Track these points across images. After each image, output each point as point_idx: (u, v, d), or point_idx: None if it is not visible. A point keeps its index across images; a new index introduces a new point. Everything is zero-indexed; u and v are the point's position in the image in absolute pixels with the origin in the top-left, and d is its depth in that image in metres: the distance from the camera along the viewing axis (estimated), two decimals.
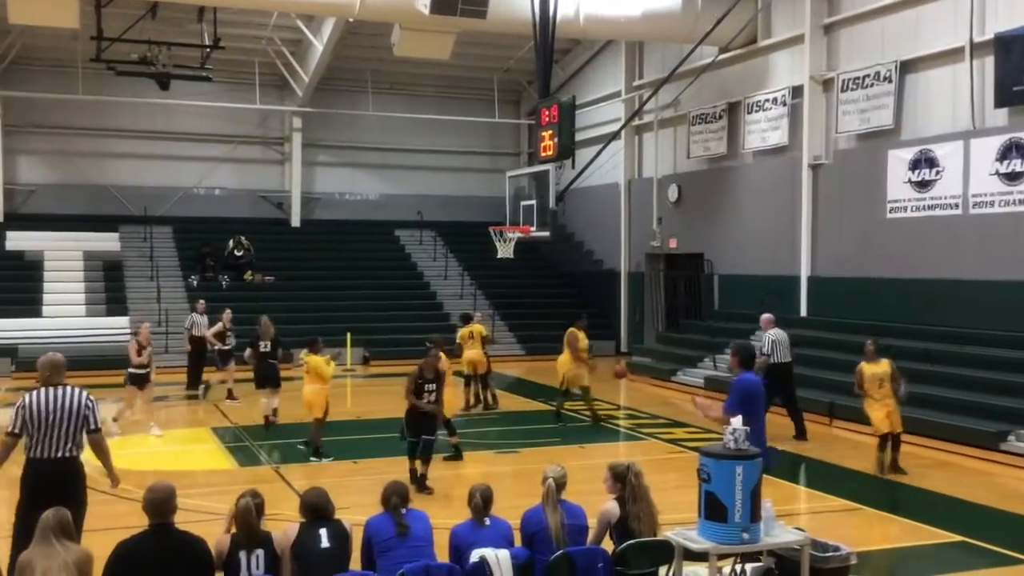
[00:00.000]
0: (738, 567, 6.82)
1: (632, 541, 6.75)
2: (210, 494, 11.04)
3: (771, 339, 15.33)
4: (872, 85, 18.88)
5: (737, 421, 6.57)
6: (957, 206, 17.08)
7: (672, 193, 25.16)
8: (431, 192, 31.66)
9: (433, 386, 11.65)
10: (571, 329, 16.68)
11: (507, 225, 19.95)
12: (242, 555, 6.06)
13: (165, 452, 14.44)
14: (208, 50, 24.05)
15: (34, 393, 7.39)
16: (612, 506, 7.01)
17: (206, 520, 8.46)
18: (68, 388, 7.41)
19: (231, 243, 27.76)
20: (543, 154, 18.46)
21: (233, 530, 6.21)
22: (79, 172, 28.55)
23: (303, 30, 26.62)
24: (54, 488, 7.01)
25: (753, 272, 22.08)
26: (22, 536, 6.58)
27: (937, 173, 17.45)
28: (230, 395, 18.52)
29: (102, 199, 28.45)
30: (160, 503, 5.78)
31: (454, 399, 15.78)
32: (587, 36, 25.74)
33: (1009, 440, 13.74)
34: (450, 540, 6.73)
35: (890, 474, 12.35)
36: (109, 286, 25.94)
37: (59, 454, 7.29)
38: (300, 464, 13.23)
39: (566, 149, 18.10)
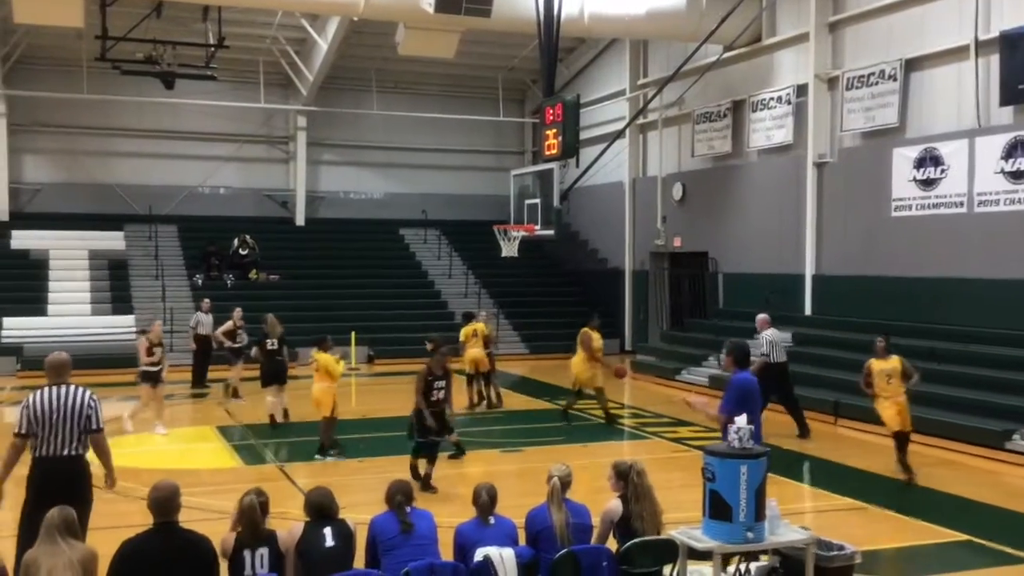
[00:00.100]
0: (742, 566, 6.82)
1: (636, 540, 6.76)
2: (215, 493, 11.06)
3: (768, 339, 15.41)
4: (877, 83, 18.85)
5: (742, 420, 6.57)
6: (962, 204, 17.05)
7: (676, 192, 25.14)
8: (435, 191, 31.66)
9: (443, 383, 11.64)
10: (584, 329, 16.57)
11: (511, 224, 19.97)
12: (246, 553, 6.08)
13: (170, 450, 14.46)
14: (213, 49, 24.06)
15: (38, 392, 7.41)
16: (615, 505, 7.01)
17: (211, 519, 8.47)
18: (71, 387, 7.43)
19: (236, 242, 27.78)
20: (547, 153, 18.47)
21: (238, 528, 6.23)
22: (84, 171, 28.59)
23: (308, 29, 26.64)
24: (59, 487, 7.02)
25: (758, 271, 22.06)
26: (27, 535, 6.60)
27: (942, 171, 17.42)
28: (235, 393, 18.55)
29: (107, 198, 28.49)
30: (164, 502, 5.79)
31: (457, 398, 15.77)
32: (591, 35, 25.73)
33: (1014, 439, 13.72)
34: (455, 539, 6.74)
35: (899, 473, 12.23)
36: (114, 285, 25.98)
37: (64, 452, 7.31)
38: (305, 463, 13.24)
39: (570, 148, 18.10)
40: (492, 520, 6.76)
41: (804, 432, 15.15)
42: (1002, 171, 16.28)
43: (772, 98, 21.63)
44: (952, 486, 12.06)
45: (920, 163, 17.84)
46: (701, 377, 20.36)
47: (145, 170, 29.06)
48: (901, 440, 12.34)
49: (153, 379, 15.33)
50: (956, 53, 17.39)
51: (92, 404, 7.42)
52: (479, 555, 6.46)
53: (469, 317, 18.51)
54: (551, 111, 18.28)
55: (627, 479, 7.03)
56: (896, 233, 18.43)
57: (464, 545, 6.64)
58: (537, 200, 18.82)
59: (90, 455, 7.56)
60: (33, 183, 28.31)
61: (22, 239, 26.81)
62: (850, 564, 6.81)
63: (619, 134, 23.96)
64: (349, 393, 19.92)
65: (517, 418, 17.21)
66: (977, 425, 14.21)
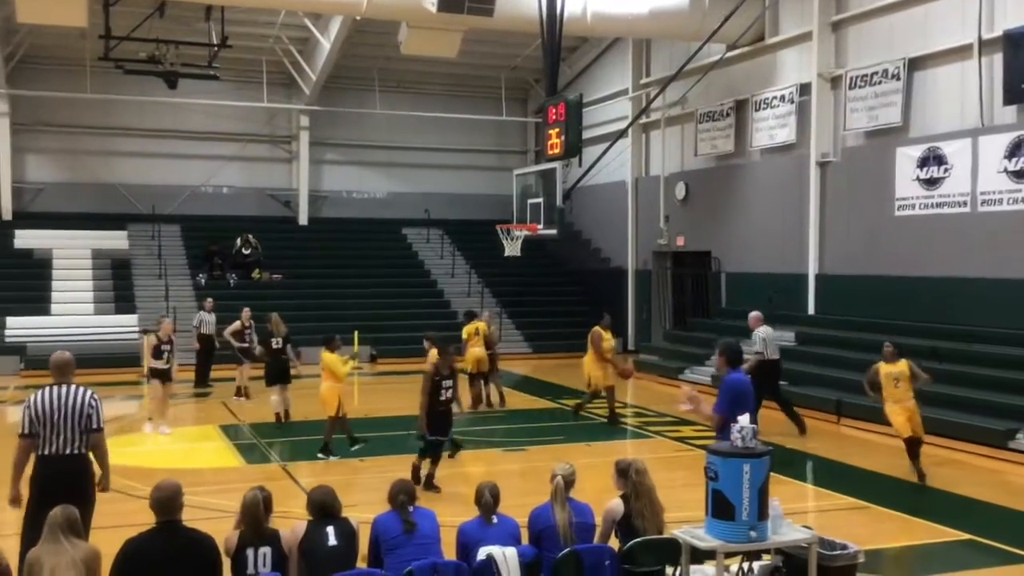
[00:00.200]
0: (745, 565, 6.82)
1: (639, 539, 6.76)
2: (218, 492, 11.08)
3: (761, 337, 15.49)
4: (880, 82, 18.83)
5: (744, 419, 6.57)
6: (965, 204, 17.03)
7: (679, 191, 25.13)
8: (438, 190, 31.66)
9: (450, 383, 11.65)
10: (595, 328, 16.55)
11: (514, 223, 19.95)
12: (249, 552, 6.09)
13: (173, 450, 14.48)
14: (216, 49, 24.07)
15: (40, 392, 7.43)
16: (616, 504, 7.02)
17: (214, 518, 8.49)
18: (73, 387, 7.44)
19: (239, 241, 27.80)
20: (550, 152, 18.45)
21: (241, 527, 6.24)
22: (87, 171, 28.62)
23: (310, 28, 26.65)
24: (62, 486, 7.04)
25: (761, 270, 22.05)
26: (31, 533, 6.61)
27: (945, 171, 17.40)
28: (239, 392, 18.57)
29: (110, 197, 28.52)
30: (167, 501, 5.80)
31: (463, 397, 15.77)
32: (594, 34, 25.73)
33: (1017, 438, 13.71)
34: (457, 538, 6.75)
35: (912, 475, 12.14)
36: (117, 284, 26.01)
37: (66, 451, 7.32)
38: (308, 462, 13.25)
39: (573, 147, 18.08)
40: (495, 519, 6.76)
41: (802, 429, 15.19)
42: (1005, 170, 16.26)
43: (775, 97, 21.62)
44: (955, 485, 12.04)
45: (923, 162, 17.82)
46: (704, 376, 20.34)
47: (148, 170, 29.08)
48: (912, 445, 12.22)
49: (163, 377, 15.34)
50: (959, 52, 17.37)
51: (93, 403, 7.42)
52: (482, 554, 6.46)
53: (471, 316, 18.51)
54: (554, 110, 18.26)
55: (627, 477, 7.04)
56: (899, 233, 18.42)
57: (467, 544, 6.65)
58: (540, 199, 18.81)
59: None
60: (36, 182, 28.35)
61: (25, 239, 26.85)
62: (853, 563, 6.80)
63: (622, 133, 23.95)
64: (352, 392, 19.92)
65: (520, 417, 17.21)
66: (980, 424, 14.20)
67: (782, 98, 21.41)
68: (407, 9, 20.71)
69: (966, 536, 9.81)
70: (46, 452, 7.32)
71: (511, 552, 6.47)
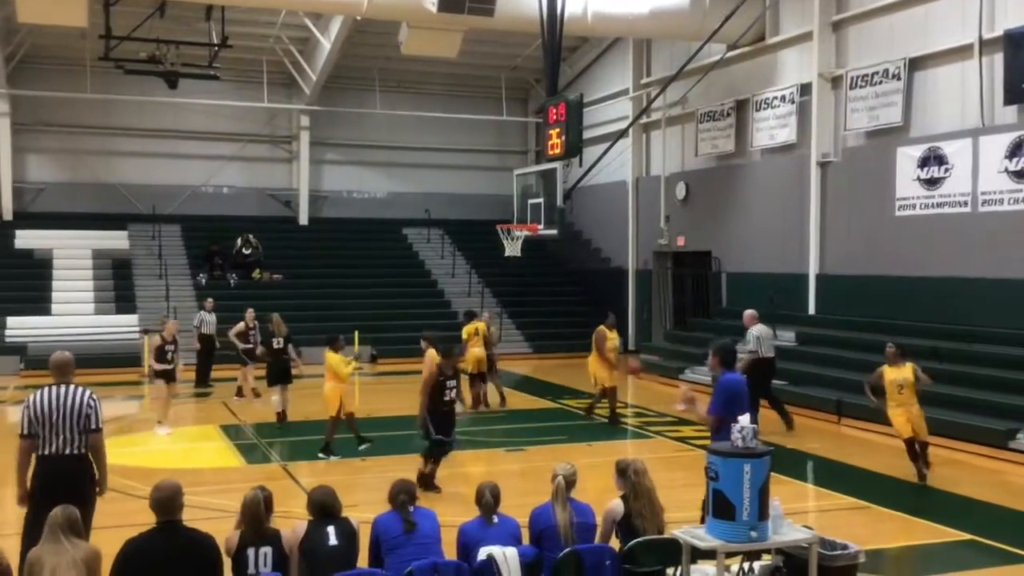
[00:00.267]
0: (746, 565, 6.81)
1: (640, 539, 6.76)
2: (218, 492, 11.08)
3: (756, 335, 15.59)
4: (881, 82, 18.82)
5: (745, 419, 6.56)
6: (966, 204, 17.02)
7: (680, 191, 25.12)
8: (439, 190, 31.66)
9: (455, 383, 11.66)
10: (600, 328, 16.55)
11: (515, 223, 19.95)
12: (250, 552, 6.09)
13: (173, 450, 14.48)
14: (216, 49, 24.07)
15: (39, 393, 7.44)
16: (616, 504, 7.02)
17: (214, 518, 8.49)
18: (71, 387, 7.43)
19: (239, 241, 27.81)
20: (551, 152, 18.45)
21: (242, 526, 6.24)
22: (88, 171, 28.63)
23: (311, 28, 26.65)
24: (62, 486, 7.04)
25: (761, 270, 22.04)
26: (32, 533, 6.61)
27: (946, 171, 17.39)
28: (239, 393, 18.57)
29: (111, 197, 28.52)
30: (166, 501, 5.80)
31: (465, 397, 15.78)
32: (595, 34, 25.73)
33: (1018, 438, 13.70)
34: (458, 538, 6.75)
35: (921, 481, 12.05)
36: (118, 284, 26.02)
37: (66, 452, 7.33)
38: (308, 461, 13.26)
39: (574, 147, 18.09)
40: (495, 519, 6.76)
41: (789, 424, 15.24)
42: (1006, 170, 16.25)
43: (776, 97, 21.62)
44: (956, 485, 12.03)
45: (924, 162, 17.81)
46: (704, 376, 20.29)
47: (148, 170, 29.09)
48: (911, 446, 12.14)
49: (168, 377, 15.33)
50: (960, 52, 17.36)
51: (91, 404, 7.41)
52: (482, 554, 6.46)
53: (471, 316, 18.49)
54: (554, 110, 18.27)
55: (627, 477, 7.04)
56: (900, 232, 18.41)
57: (467, 544, 6.65)
58: (540, 199, 18.81)
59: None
60: (37, 183, 28.36)
61: (26, 239, 26.86)
62: (854, 563, 6.79)
63: (622, 133, 23.95)
64: (352, 392, 19.91)
65: (520, 417, 17.20)
66: (981, 424, 14.19)
67: (783, 98, 21.41)
68: (407, 9, 20.71)
69: (967, 536, 9.80)
70: (46, 452, 7.33)
71: (511, 552, 6.47)
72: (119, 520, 7.59)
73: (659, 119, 26.04)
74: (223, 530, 6.33)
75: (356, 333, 23.73)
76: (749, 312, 16.20)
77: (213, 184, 30.08)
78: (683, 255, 25.86)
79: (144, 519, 5.93)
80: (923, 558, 9.57)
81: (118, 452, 12.73)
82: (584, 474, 7.27)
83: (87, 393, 7.46)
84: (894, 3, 18.79)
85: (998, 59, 16.48)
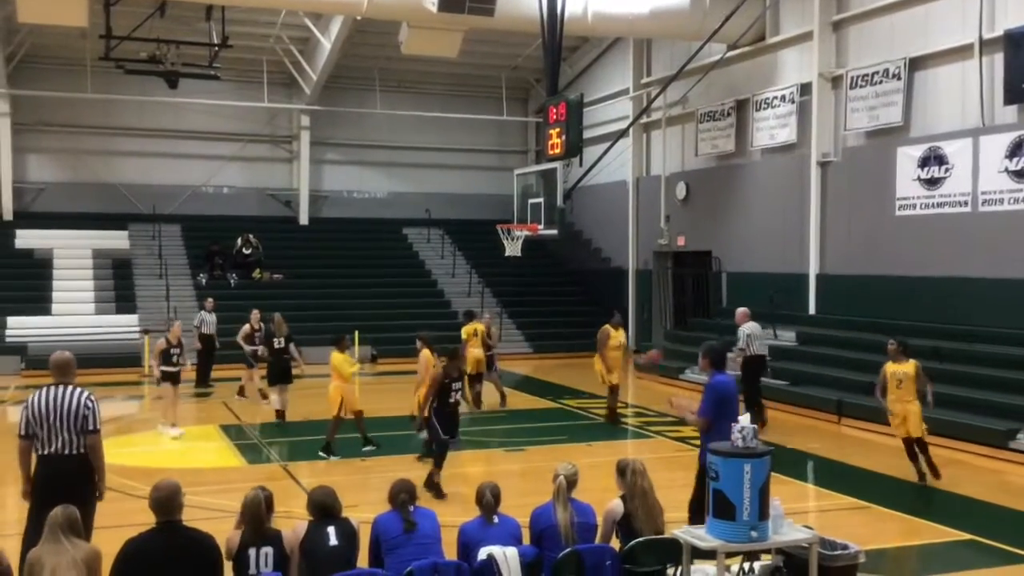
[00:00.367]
0: (746, 565, 6.81)
1: (640, 539, 6.76)
2: (218, 492, 11.07)
3: (746, 333, 15.76)
4: (881, 82, 18.82)
5: (745, 419, 6.56)
6: (966, 204, 17.02)
7: (680, 191, 25.12)
8: (439, 190, 31.66)
9: (459, 384, 11.67)
10: (604, 327, 16.51)
11: (515, 223, 19.94)
12: (251, 552, 6.08)
13: (173, 450, 14.47)
14: (216, 48, 24.07)
15: (38, 393, 7.46)
16: (615, 504, 7.02)
17: (215, 518, 8.49)
18: (69, 388, 7.43)
19: (239, 241, 27.81)
20: (551, 152, 18.45)
21: (243, 526, 6.23)
22: (88, 171, 28.63)
23: (311, 28, 26.64)
24: (62, 486, 7.06)
25: (761, 270, 22.04)
26: (33, 533, 6.62)
27: (946, 171, 17.39)
28: (241, 392, 18.54)
29: (111, 197, 28.53)
30: (165, 501, 5.79)
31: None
32: (595, 33, 25.73)
33: (1018, 438, 13.71)
34: (458, 538, 6.74)
35: (920, 481, 12.02)
36: (118, 284, 26.02)
37: (65, 452, 7.34)
38: (308, 461, 13.26)
39: (574, 147, 18.08)
40: (496, 519, 6.76)
41: (763, 422, 15.27)
42: (1006, 170, 16.25)
43: (776, 97, 21.62)
44: (956, 485, 12.02)
45: (924, 162, 17.81)
46: (704, 376, 20.31)
47: (149, 169, 29.10)
48: (910, 447, 12.13)
49: (174, 379, 15.31)
50: (960, 52, 17.36)
51: (88, 405, 7.40)
52: (483, 554, 6.45)
53: (470, 316, 18.46)
54: (554, 110, 18.26)
55: (625, 477, 7.05)
56: (900, 232, 18.41)
57: (468, 544, 6.64)
58: (540, 199, 18.80)
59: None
60: (37, 182, 28.36)
61: (26, 238, 26.86)
62: (854, 563, 6.79)
63: (623, 133, 23.93)
64: (354, 392, 19.90)
65: (520, 417, 17.20)
66: (981, 424, 14.19)
67: (783, 98, 21.41)
68: (408, 9, 20.71)
69: (967, 536, 9.80)
70: (45, 452, 7.35)
71: (512, 552, 6.46)
72: (119, 520, 7.58)
73: (659, 119, 26.03)
74: (223, 530, 6.33)
75: (356, 333, 23.72)
76: (741, 310, 16.38)
77: (213, 184, 30.09)
78: (683, 255, 25.86)
79: (144, 519, 5.92)
80: (923, 558, 9.57)
81: (118, 452, 12.77)
82: (584, 474, 7.26)
83: (84, 394, 7.45)
84: (894, 3, 18.79)
85: (998, 59, 16.48)
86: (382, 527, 6.63)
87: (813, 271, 20.63)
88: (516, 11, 20.26)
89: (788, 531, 6.61)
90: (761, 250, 22.18)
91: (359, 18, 23.42)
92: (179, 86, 24.36)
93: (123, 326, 24.48)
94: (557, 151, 18.23)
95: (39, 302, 24.81)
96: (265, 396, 18.10)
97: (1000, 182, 16.37)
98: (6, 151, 27.17)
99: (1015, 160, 16.08)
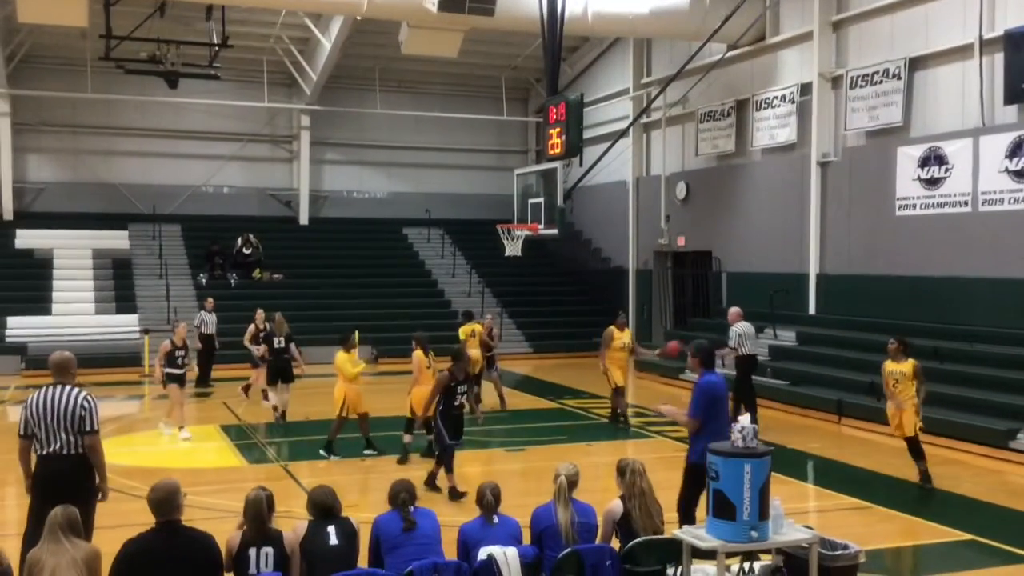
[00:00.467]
0: (746, 565, 6.81)
1: (640, 539, 6.76)
2: (219, 492, 11.07)
3: (738, 332, 15.75)
4: (881, 82, 18.82)
5: (745, 419, 6.56)
6: (966, 204, 17.02)
7: (680, 191, 25.13)
8: (439, 190, 31.66)
9: (465, 387, 11.67)
10: (609, 328, 16.41)
11: (515, 223, 19.94)
12: (252, 552, 6.08)
13: (174, 450, 14.46)
14: (216, 48, 24.07)
15: (37, 393, 7.47)
16: (616, 504, 7.03)
17: (215, 518, 8.49)
18: (67, 388, 7.43)
19: (239, 241, 27.81)
20: (551, 152, 18.45)
21: (244, 526, 6.23)
22: (88, 170, 28.63)
23: (311, 28, 26.64)
24: (62, 486, 7.08)
25: (762, 270, 22.04)
26: (34, 533, 6.63)
27: (946, 170, 17.39)
28: (245, 390, 18.49)
29: (111, 197, 28.53)
30: (163, 501, 5.78)
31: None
32: (595, 33, 25.72)
33: (1018, 438, 13.69)
34: (458, 537, 6.75)
35: (923, 481, 11.93)
36: (118, 284, 26.01)
37: (64, 452, 7.34)
38: (308, 461, 13.26)
39: (574, 147, 18.08)
40: (496, 519, 6.76)
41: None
42: (1006, 170, 16.25)
43: (776, 97, 21.62)
44: (956, 485, 12.02)
45: (924, 162, 17.81)
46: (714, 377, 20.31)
47: (149, 169, 29.10)
48: (908, 445, 12.11)
49: (180, 380, 15.29)
50: (960, 52, 17.36)
51: (85, 406, 7.38)
52: (483, 554, 6.45)
53: (469, 316, 18.43)
54: (555, 110, 18.26)
55: (625, 477, 7.05)
56: (900, 232, 18.41)
57: (468, 544, 6.65)
58: (540, 199, 18.81)
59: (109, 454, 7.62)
60: (37, 182, 28.36)
61: (26, 238, 26.85)
62: (854, 563, 6.79)
63: (623, 133, 23.94)
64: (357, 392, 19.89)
65: (520, 417, 17.19)
66: (981, 424, 14.18)
67: (783, 98, 21.41)
68: (408, 9, 20.71)
69: (967, 536, 9.79)
70: (44, 452, 7.36)
71: (512, 552, 6.46)
72: (119, 520, 7.58)
73: (659, 119, 26.03)
74: (223, 530, 6.33)
75: (356, 333, 23.65)
76: (734, 310, 16.41)
77: (213, 184, 30.08)
78: (683, 255, 25.86)
79: (144, 519, 5.92)
80: (923, 558, 9.57)
81: (118, 452, 12.78)
82: (584, 474, 7.27)
83: (81, 395, 7.43)
84: (894, 3, 18.79)
85: (998, 59, 16.48)
86: (382, 527, 6.63)
87: (813, 271, 20.63)
88: (516, 11, 20.26)
89: (788, 531, 6.61)
90: (761, 250, 22.18)
91: (359, 18, 23.42)
92: (179, 86, 24.36)
93: (123, 326, 24.46)
94: (557, 151, 18.23)
95: (39, 302, 24.81)
96: (267, 396, 18.10)
97: (1000, 182, 16.37)
98: (6, 151, 27.17)
99: (1015, 160, 16.08)
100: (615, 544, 6.94)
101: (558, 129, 18.15)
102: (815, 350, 19.14)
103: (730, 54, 21.77)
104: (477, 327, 17.62)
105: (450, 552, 6.74)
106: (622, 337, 16.33)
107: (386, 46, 26.60)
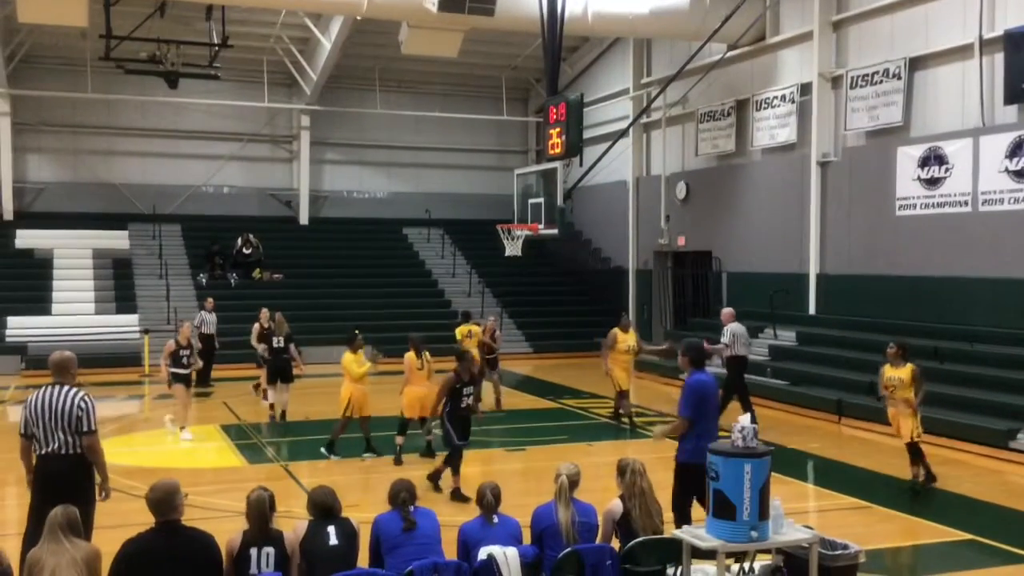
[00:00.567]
0: (746, 565, 6.81)
1: (640, 539, 6.76)
2: (219, 491, 11.08)
3: (731, 332, 15.82)
4: (881, 82, 18.82)
5: (745, 419, 6.56)
6: (966, 203, 17.02)
7: (680, 191, 25.13)
8: (439, 190, 31.67)
9: (471, 389, 11.66)
10: (613, 330, 16.34)
11: (515, 223, 19.94)
12: (253, 552, 6.07)
13: (174, 450, 14.47)
14: (217, 48, 24.06)
15: (36, 393, 7.48)
16: (615, 504, 7.03)
17: (214, 518, 8.49)
18: (65, 388, 7.42)
19: (239, 241, 27.82)
20: (551, 152, 18.45)
21: (246, 526, 6.23)
22: (88, 170, 28.64)
23: (311, 28, 26.64)
24: (61, 485, 7.08)
25: (762, 270, 22.04)
26: (34, 533, 6.63)
27: (946, 170, 17.39)
28: (257, 388, 18.40)
29: (111, 197, 28.53)
30: (162, 501, 5.77)
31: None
32: (595, 33, 25.72)
33: (1018, 438, 13.70)
34: (458, 537, 6.74)
35: (924, 482, 11.90)
36: (118, 284, 26.02)
37: (62, 452, 7.35)
38: (309, 461, 13.26)
39: (574, 147, 18.09)
40: (496, 519, 6.76)
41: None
42: (1006, 170, 16.25)
43: (776, 97, 21.62)
44: (956, 485, 12.02)
45: (924, 162, 17.81)
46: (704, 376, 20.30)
47: (149, 169, 29.11)
48: (908, 450, 12.05)
49: (185, 381, 15.28)
50: (960, 52, 17.36)
51: (83, 406, 7.37)
52: (483, 554, 6.45)
53: (467, 316, 18.43)
54: (555, 110, 18.27)
55: (625, 477, 7.05)
56: (900, 232, 18.41)
57: (468, 544, 6.65)
58: (541, 199, 18.81)
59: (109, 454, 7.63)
60: (37, 182, 28.36)
61: (26, 238, 26.85)
62: (854, 563, 6.79)
63: (623, 133, 23.93)
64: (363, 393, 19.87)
65: (520, 417, 17.19)
66: (981, 424, 14.19)
67: (783, 98, 21.41)
68: (408, 9, 20.71)
69: (967, 536, 9.80)
70: (43, 452, 7.37)
71: (512, 552, 6.46)
72: (119, 520, 7.58)
73: (659, 119, 26.03)
74: (223, 530, 6.32)
75: (358, 333, 23.67)
76: (727, 310, 16.60)
77: (213, 184, 30.08)
78: (683, 255, 25.86)
79: (144, 519, 5.92)
80: (923, 558, 9.57)
81: (118, 452, 12.78)
82: (585, 474, 7.26)
83: (79, 395, 7.42)
84: (894, 3, 18.79)
85: (998, 59, 16.47)
86: (382, 527, 6.63)
87: (813, 271, 20.63)
88: (516, 11, 20.26)
89: (788, 531, 6.61)
90: (761, 250, 22.18)
91: (359, 18, 23.42)
92: (179, 86, 24.35)
93: (123, 326, 24.46)
94: (557, 151, 18.24)
95: (39, 302, 24.81)
96: (266, 395, 18.09)
97: (1000, 182, 16.37)
98: (6, 151, 27.18)
99: (1015, 160, 16.08)
100: (615, 544, 6.94)
101: (558, 129, 18.16)
102: (815, 350, 19.14)
103: (730, 54, 21.77)
104: (474, 327, 17.61)
105: (450, 552, 6.74)
106: (627, 339, 16.22)
107: (386, 46, 26.60)
